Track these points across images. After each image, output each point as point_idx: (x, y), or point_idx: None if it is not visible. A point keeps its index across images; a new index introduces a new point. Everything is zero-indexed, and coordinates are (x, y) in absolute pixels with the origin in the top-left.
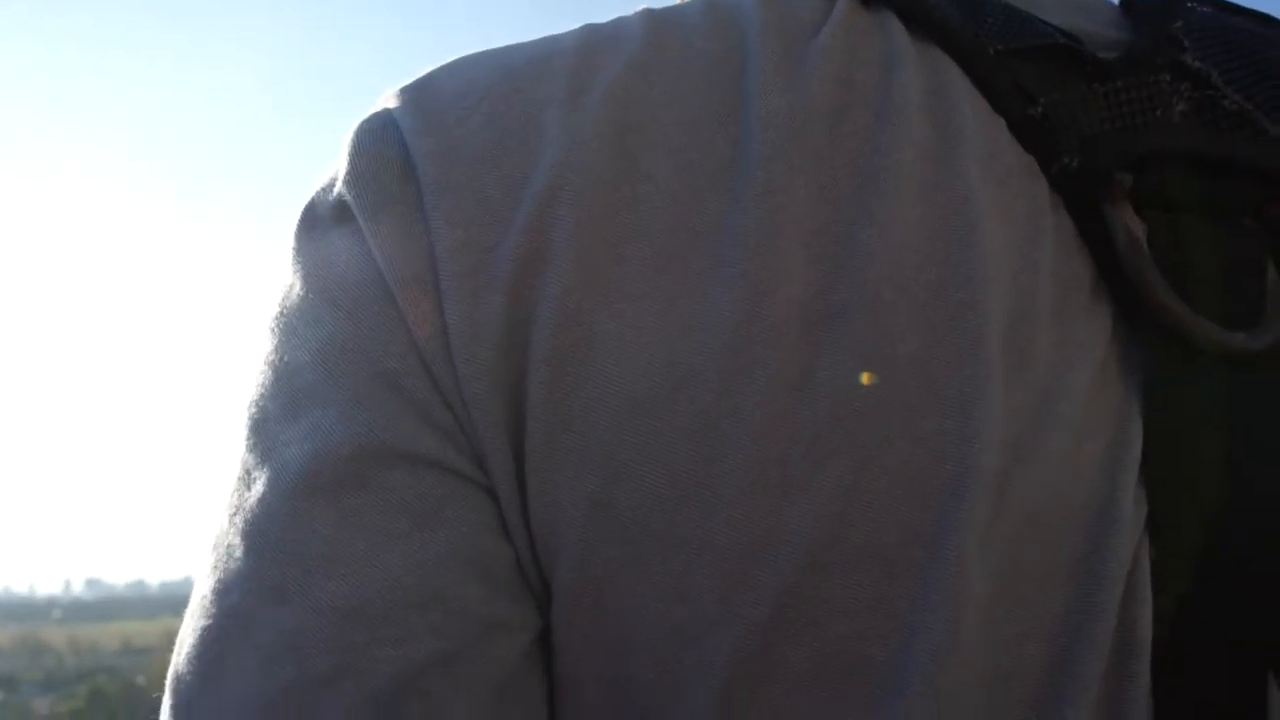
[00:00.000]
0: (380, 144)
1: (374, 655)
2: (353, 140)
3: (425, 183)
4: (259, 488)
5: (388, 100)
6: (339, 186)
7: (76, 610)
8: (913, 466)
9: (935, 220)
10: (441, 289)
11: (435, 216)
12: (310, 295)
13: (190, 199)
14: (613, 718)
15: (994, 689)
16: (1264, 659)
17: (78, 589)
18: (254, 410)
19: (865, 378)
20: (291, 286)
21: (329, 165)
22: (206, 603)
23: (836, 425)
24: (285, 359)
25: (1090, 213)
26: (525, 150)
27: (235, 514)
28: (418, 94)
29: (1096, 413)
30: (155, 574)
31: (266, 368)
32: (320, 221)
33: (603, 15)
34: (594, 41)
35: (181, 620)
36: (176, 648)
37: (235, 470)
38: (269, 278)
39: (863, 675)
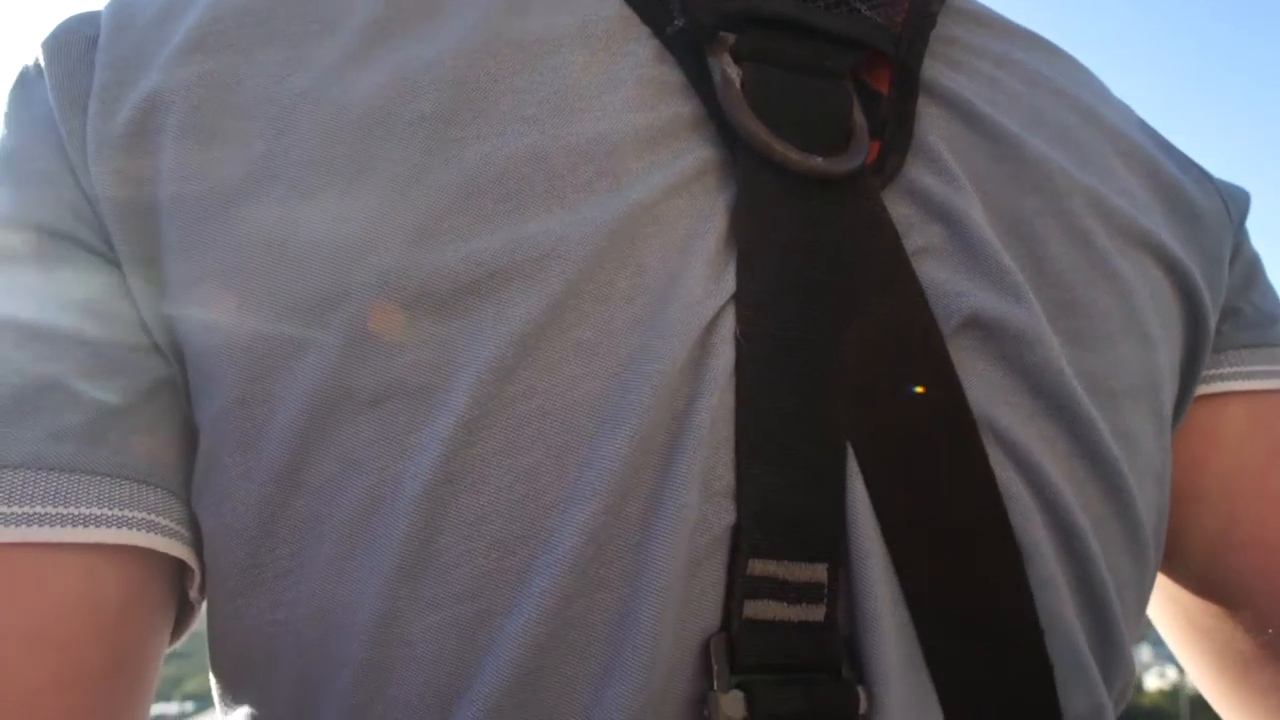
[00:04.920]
0: (78, 23)
1: (19, 363)
2: (59, 24)
3: (100, 44)
4: None
5: None
6: (39, 52)
7: None
8: (462, 227)
9: (514, 60)
10: (89, 112)
11: (99, 63)
12: (7, 127)
13: None
14: (218, 458)
15: (549, 417)
16: (837, 429)
17: None
18: None
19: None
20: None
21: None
22: None
23: (392, 214)
24: None
25: (698, 64)
26: (174, 19)
27: None
28: None
29: (677, 208)
30: None
31: None
32: (25, 78)
33: None
34: None
35: None
36: None
37: None
38: None
39: (419, 398)
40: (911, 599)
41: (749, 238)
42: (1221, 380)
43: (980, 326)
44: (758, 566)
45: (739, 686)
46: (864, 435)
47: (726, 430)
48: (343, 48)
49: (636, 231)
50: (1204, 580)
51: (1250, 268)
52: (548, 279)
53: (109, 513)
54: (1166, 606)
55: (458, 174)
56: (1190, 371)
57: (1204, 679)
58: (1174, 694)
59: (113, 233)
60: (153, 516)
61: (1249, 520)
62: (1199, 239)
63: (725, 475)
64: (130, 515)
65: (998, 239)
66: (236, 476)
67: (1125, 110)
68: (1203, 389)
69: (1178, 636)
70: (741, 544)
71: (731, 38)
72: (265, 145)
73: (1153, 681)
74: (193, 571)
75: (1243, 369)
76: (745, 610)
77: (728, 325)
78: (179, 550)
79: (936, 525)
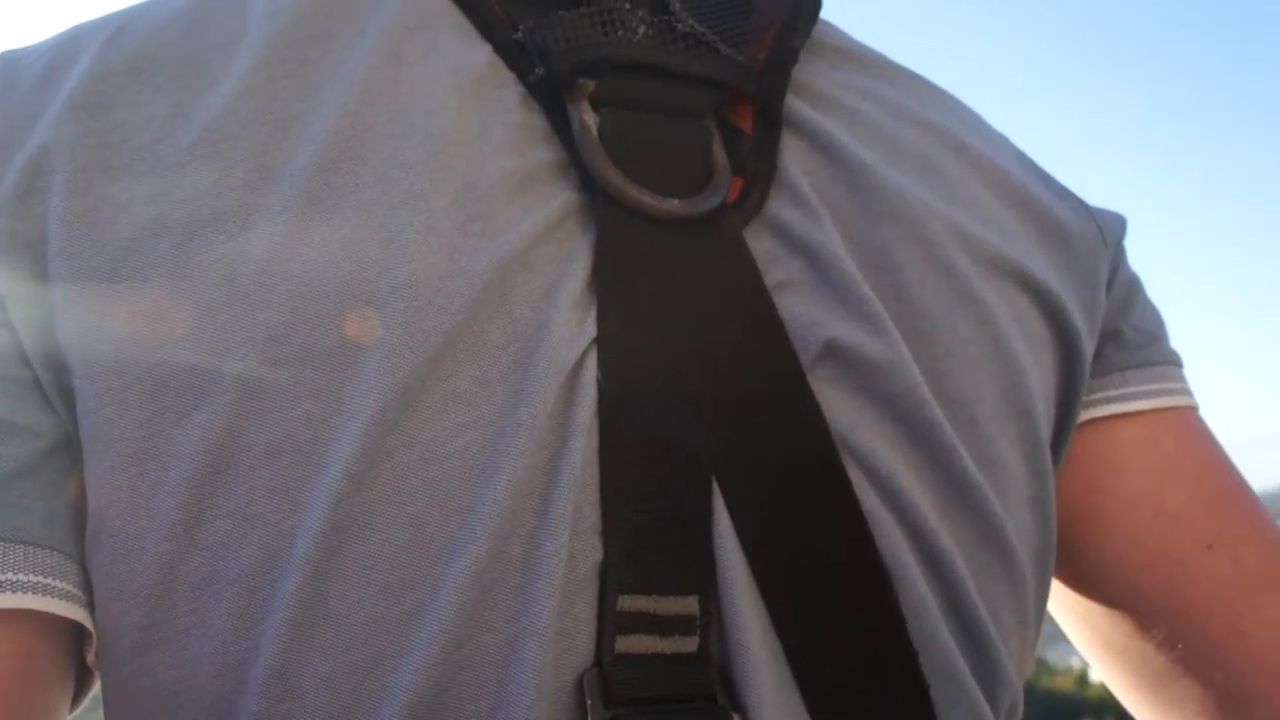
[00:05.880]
0: None
1: None
2: None
3: None
4: None
5: None
6: None
7: None
8: (344, 280)
9: (390, 108)
10: None
11: None
12: None
13: None
14: (108, 518)
15: (431, 466)
16: (694, 453)
17: None
18: None
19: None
20: None
21: None
22: None
23: (278, 267)
24: None
25: (560, 111)
26: (58, 78)
27: None
28: (8, 53)
29: (543, 255)
30: None
31: None
32: None
33: None
34: (144, 3)
35: None
36: None
37: None
38: None
39: (309, 451)
40: (781, 624)
41: (608, 282)
42: (1108, 403)
43: (839, 356)
44: (627, 602)
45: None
46: (727, 467)
47: (593, 470)
48: (224, 101)
49: (507, 280)
50: (1113, 601)
51: (1128, 289)
52: (427, 330)
53: (2, 578)
54: (1080, 627)
55: (340, 223)
56: (1068, 395)
57: (1125, 695)
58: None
59: (5, 294)
60: (48, 580)
61: (1150, 540)
62: (1072, 265)
63: (591, 514)
64: (24, 579)
65: (858, 270)
66: (130, 535)
67: (999, 141)
68: (1090, 413)
69: (1095, 655)
70: (610, 580)
71: (591, 84)
72: (151, 201)
73: (1099, 674)
74: (91, 636)
75: (1128, 390)
76: (617, 645)
77: (591, 368)
78: (76, 613)
79: (803, 551)
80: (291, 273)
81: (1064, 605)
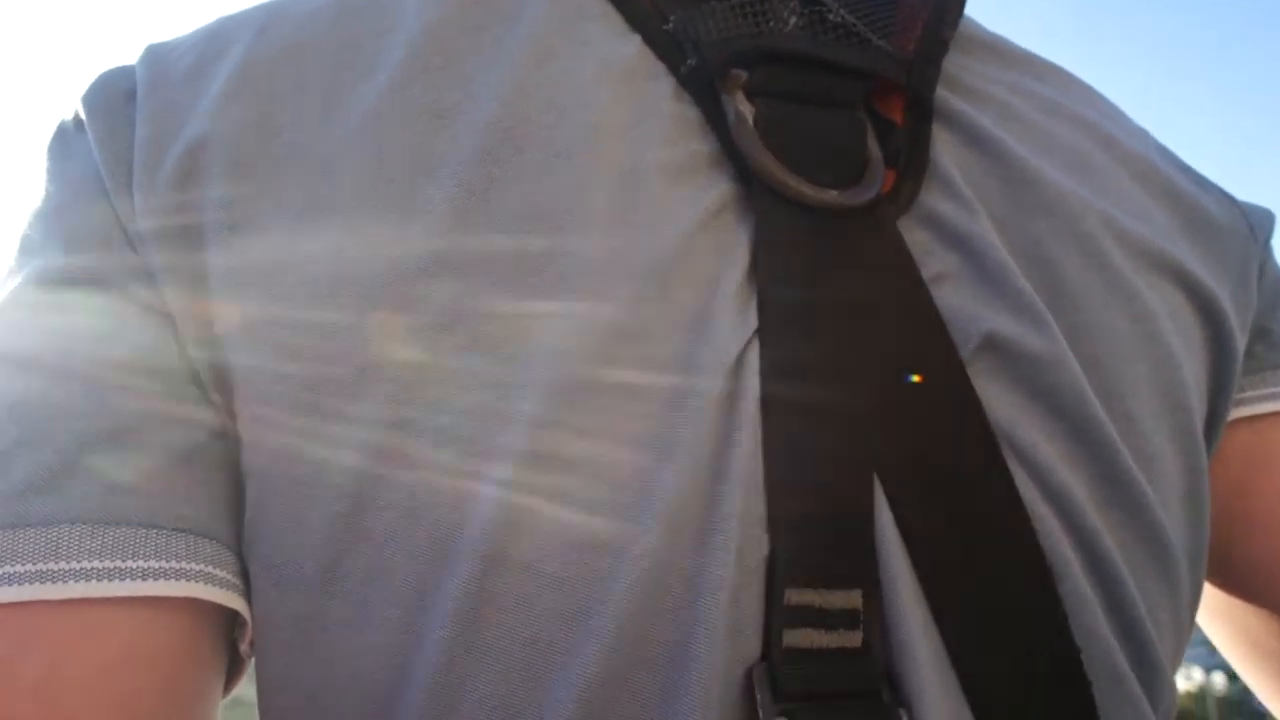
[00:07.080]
0: (115, 77)
1: (55, 427)
2: (96, 77)
3: (139, 97)
4: None
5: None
6: (78, 107)
7: None
8: (509, 269)
9: (544, 99)
10: (134, 166)
11: (139, 118)
12: (48, 181)
13: None
14: (270, 508)
15: (601, 459)
16: (855, 447)
17: None
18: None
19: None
20: (42, 182)
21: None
22: None
23: (441, 256)
24: (25, 234)
25: (713, 102)
26: (209, 71)
27: None
28: (155, 46)
29: (703, 245)
30: None
31: (15, 244)
32: (64, 133)
33: None
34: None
35: None
36: None
37: None
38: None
39: (476, 442)
40: (942, 620)
41: (768, 273)
42: (1258, 402)
43: (998, 349)
44: (794, 596)
45: (783, 714)
46: (888, 461)
47: (757, 463)
48: (378, 93)
49: (669, 271)
50: (1263, 601)
51: (1277, 286)
52: (595, 320)
53: (167, 565)
54: (1225, 627)
55: (502, 214)
56: (1219, 393)
57: (1271, 698)
58: (1201, 696)
59: (162, 285)
60: (209, 569)
61: None
62: (1223, 260)
63: (758, 507)
64: (187, 567)
65: (1014, 263)
66: (290, 528)
67: (1143, 135)
68: (1240, 411)
69: (1240, 657)
70: (778, 574)
71: (744, 74)
72: (308, 194)
73: (1179, 684)
74: (245, 623)
75: (1278, 389)
76: (785, 639)
77: (754, 360)
78: (234, 602)
79: (964, 546)
80: (454, 262)
81: (1208, 605)
